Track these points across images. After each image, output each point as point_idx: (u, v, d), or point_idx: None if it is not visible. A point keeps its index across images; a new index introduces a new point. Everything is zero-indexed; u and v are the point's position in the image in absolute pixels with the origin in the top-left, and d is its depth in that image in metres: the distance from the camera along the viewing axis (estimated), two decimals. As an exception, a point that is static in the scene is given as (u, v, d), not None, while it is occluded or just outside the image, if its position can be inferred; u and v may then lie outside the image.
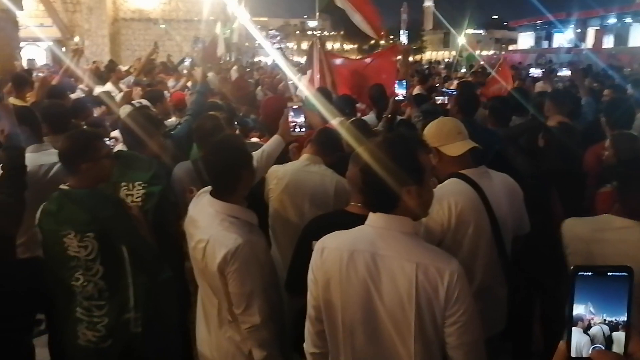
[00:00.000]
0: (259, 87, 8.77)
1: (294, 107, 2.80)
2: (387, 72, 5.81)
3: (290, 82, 6.92)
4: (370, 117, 4.87)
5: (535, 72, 12.29)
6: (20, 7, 10.72)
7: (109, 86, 7.32)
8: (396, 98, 4.13)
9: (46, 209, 2.45)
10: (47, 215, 2.44)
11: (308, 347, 1.83)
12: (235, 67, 11.44)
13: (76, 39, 19.02)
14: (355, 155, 1.74)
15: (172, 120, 4.95)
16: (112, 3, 24.76)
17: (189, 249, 2.34)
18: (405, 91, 4.20)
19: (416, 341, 1.58)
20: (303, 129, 2.81)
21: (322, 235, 1.77)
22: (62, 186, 2.47)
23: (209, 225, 2.17)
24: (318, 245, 1.74)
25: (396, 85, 4.25)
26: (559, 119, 3.70)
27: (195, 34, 21.82)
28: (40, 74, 6.55)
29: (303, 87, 5.97)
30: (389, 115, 4.05)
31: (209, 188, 2.33)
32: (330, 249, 1.69)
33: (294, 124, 2.79)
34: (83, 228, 2.34)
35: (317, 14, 7.39)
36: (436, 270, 1.56)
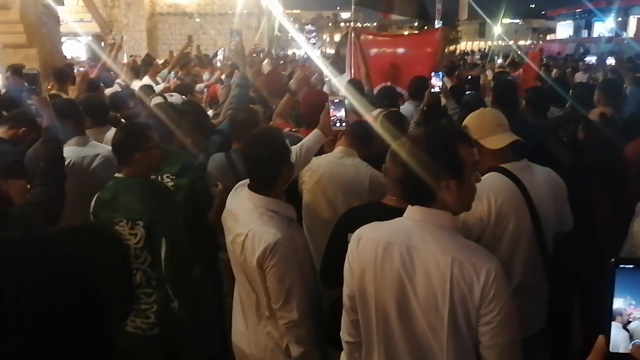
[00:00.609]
0: (292, 80, 8.78)
1: (336, 100, 2.73)
2: (422, 62, 5.63)
3: (326, 79, 6.86)
4: (407, 108, 4.78)
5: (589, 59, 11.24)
6: (62, 3, 11.00)
7: (146, 79, 7.46)
8: (432, 90, 4.04)
9: (101, 197, 2.54)
10: (102, 204, 2.52)
11: (343, 335, 1.84)
12: (267, 61, 11.49)
13: (114, 34, 19.39)
14: (393, 148, 1.71)
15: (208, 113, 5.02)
16: (149, -2, 25.20)
17: (227, 243, 2.34)
18: (441, 83, 4.11)
19: (449, 336, 1.56)
20: (344, 124, 2.75)
21: (357, 227, 1.77)
22: (117, 175, 2.56)
23: (248, 220, 2.16)
24: (355, 235, 1.74)
25: (432, 77, 4.15)
26: (602, 110, 3.57)
27: (230, 27, 21.98)
28: (82, 69, 6.71)
29: (334, 79, 5.91)
30: (424, 108, 3.98)
31: (246, 181, 2.33)
32: (367, 240, 1.70)
33: (334, 118, 2.73)
34: (134, 216, 2.42)
35: (353, 7, 7.32)
36: (472, 267, 1.53)
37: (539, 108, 4.16)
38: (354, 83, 5.04)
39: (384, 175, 2.44)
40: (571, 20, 46.54)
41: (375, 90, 5.23)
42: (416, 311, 1.60)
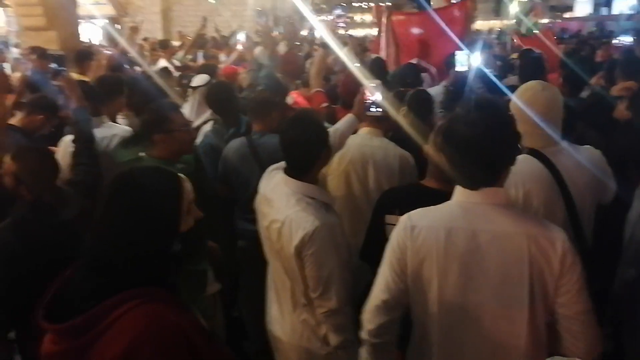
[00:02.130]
0: (309, 60, 8.73)
1: (371, 84, 2.72)
2: (450, 38, 5.42)
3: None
4: (437, 89, 4.66)
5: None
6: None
7: (163, 62, 7.46)
8: (457, 69, 3.94)
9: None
10: None
11: (370, 336, 1.74)
12: (283, 42, 11.40)
13: (136, 18, 19.41)
14: (446, 129, 1.61)
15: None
16: (163, -21, 25.04)
17: (261, 228, 2.31)
18: (468, 60, 4.01)
19: (530, 319, 1.54)
20: (379, 109, 2.72)
21: (398, 209, 1.75)
22: (140, 154, 2.58)
23: (285, 206, 2.11)
24: (405, 224, 1.67)
25: (456, 54, 4.06)
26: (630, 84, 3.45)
27: (245, 9, 21.80)
28: (106, 52, 6.73)
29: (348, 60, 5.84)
30: (449, 87, 3.90)
31: (280, 165, 2.29)
32: (424, 227, 1.63)
33: (369, 102, 2.71)
34: None
35: None
36: (547, 240, 1.52)
37: (576, 86, 4.01)
38: (376, 63, 4.99)
39: (428, 157, 2.34)
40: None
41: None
42: (487, 296, 1.56)
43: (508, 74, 5.99)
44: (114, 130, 3.37)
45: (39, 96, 3.67)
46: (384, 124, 2.96)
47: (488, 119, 1.53)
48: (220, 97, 3.60)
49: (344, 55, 6.66)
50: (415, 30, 6.02)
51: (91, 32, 19.29)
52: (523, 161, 2.21)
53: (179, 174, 1.54)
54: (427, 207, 1.68)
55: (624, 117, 3.12)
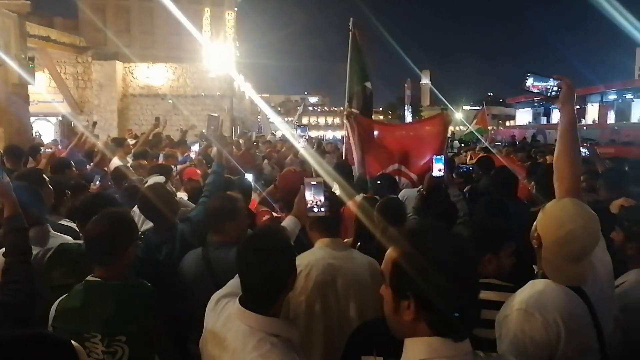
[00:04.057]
0: (265, 161, 8.69)
1: (313, 183, 2.41)
2: (431, 146, 5.47)
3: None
4: (406, 193, 4.61)
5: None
6: (32, 82, 10.84)
7: (115, 161, 7.20)
8: (433, 174, 3.82)
9: (64, 306, 2.09)
10: (66, 313, 2.06)
11: None
12: (242, 141, 11.46)
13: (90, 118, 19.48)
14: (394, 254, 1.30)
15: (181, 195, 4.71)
16: (122, 80, 25.48)
17: None
18: (444, 166, 3.84)
19: None
20: (323, 209, 2.40)
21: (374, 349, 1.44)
22: (89, 277, 2.14)
23: (242, 349, 1.69)
24: None
25: (433, 160, 3.89)
26: (623, 202, 3.34)
27: (203, 108, 22.23)
28: (49, 150, 6.43)
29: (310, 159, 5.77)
30: (424, 192, 3.76)
31: (229, 292, 1.92)
32: None
33: (313, 202, 2.40)
34: (113, 329, 1.98)
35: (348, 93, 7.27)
36: None
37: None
38: (341, 167, 4.88)
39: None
40: (530, 108, 48.98)
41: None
42: None
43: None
44: (59, 240, 2.84)
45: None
46: (336, 230, 2.63)
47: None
48: (153, 203, 3.17)
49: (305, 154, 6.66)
50: (391, 135, 6.04)
51: (44, 129, 19.07)
52: (559, 292, 1.84)
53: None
54: None
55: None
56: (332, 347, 2.30)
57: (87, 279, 2.13)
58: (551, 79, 2.30)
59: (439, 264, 1.21)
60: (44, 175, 3.39)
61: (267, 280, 1.73)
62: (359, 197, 3.71)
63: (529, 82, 2.36)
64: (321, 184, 2.43)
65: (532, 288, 1.88)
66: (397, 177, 5.28)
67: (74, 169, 5.39)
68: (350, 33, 6.65)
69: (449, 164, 4.64)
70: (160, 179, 3.93)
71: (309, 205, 2.40)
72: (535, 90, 2.36)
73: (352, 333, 2.01)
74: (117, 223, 2.21)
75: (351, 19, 6.73)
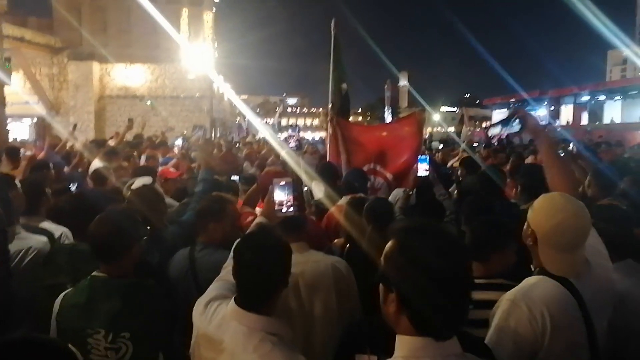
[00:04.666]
0: (246, 163, 8.67)
1: (282, 183, 2.37)
2: (407, 145, 5.45)
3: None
4: (398, 193, 4.58)
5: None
6: (9, 82, 10.61)
7: (96, 162, 7.10)
8: (419, 174, 3.84)
9: (70, 301, 2.07)
10: (71, 308, 2.05)
11: None
12: (222, 142, 11.40)
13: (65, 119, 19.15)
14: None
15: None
16: (98, 81, 25.11)
17: None
18: (428, 166, 3.88)
19: None
20: (292, 209, 2.37)
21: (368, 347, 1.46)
22: (95, 273, 2.12)
23: (243, 350, 1.67)
24: None
25: (418, 160, 3.95)
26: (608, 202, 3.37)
27: (182, 109, 22.04)
28: (29, 152, 6.29)
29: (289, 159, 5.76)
30: (410, 192, 3.78)
31: (214, 294, 1.89)
32: None
33: (283, 202, 2.37)
34: (117, 326, 1.97)
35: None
36: None
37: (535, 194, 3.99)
38: (325, 168, 4.85)
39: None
40: (506, 109, 49.59)
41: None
42: None
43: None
44: (29, 242, 2.81)
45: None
46: (300, 232, 2.56)
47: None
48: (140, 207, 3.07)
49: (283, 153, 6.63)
50: (368, 136, 6.03)
51: (19, 131, 18.71)
52: (546, 285, 1.87)
53: None
54: None
55: None
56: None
57: (93, 274, 2.12)
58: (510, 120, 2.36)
59: (421, 263, 1.23)
60: (14, 180, 3.32)
61: (265, 276, 1.74)
62: (345, 199, 3.72)
63: (495, 130, 2.47)
64: (290, 183, 2.40)
65: (526, 282, 1.92)
66: (372, 177, 5.30)
67: (52, 170, 5.31)
68: (332, 34, 6.66)
69: (434, 164, 4.68)
70: (147, 180, 3.89)
71: (277, 207, 2.37)
72: (503, 134, 2.53)
73: (344, 332, 2.02)
74: (123, 221, 2.20)
75: (333, 19, 6.74)
